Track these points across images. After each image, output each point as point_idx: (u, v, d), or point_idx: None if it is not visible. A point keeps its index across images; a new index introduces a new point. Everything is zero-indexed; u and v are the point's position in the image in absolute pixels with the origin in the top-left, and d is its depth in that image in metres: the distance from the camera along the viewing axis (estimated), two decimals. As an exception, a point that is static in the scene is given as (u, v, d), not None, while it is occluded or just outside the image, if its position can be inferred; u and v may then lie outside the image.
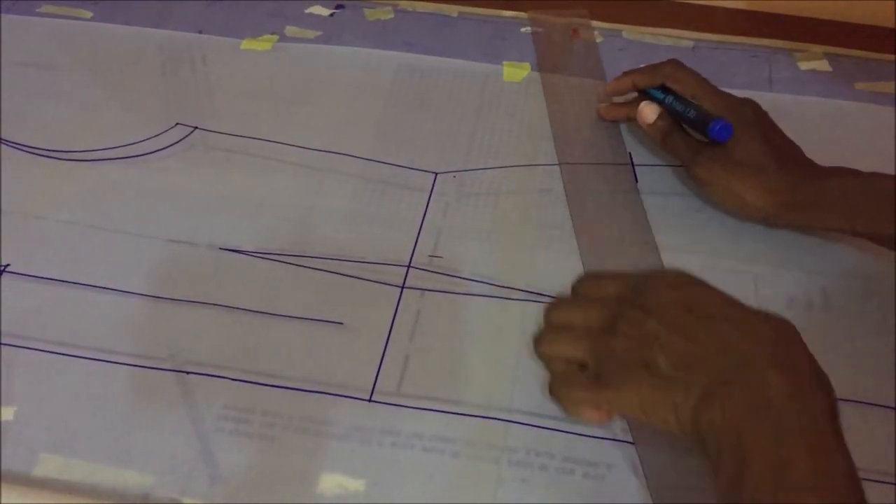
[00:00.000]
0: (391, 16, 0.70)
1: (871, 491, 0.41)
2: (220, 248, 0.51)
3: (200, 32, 0.67)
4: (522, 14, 0.70)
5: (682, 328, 0.37)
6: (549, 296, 0.50)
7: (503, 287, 0.50)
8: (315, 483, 0.42)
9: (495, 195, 0.55)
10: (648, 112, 0.54)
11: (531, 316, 0.49)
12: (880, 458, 0.43)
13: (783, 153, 0.50)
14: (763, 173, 0.49)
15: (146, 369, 0.45)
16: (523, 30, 0.69)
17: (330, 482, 0.42)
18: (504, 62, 0.65)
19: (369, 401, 0.45)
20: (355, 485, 0.42)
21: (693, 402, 0.35)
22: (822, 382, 0.35)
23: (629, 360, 0.37)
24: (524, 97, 0.62)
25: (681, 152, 0.53)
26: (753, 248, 0.52)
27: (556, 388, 0.39)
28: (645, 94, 0.56)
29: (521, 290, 0.50)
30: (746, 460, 0.33)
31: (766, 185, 0.49)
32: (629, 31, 0.69)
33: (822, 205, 0.49)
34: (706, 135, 0.51)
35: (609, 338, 0.38)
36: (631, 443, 0.43)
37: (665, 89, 0.55)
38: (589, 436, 0.44)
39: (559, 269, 0.51)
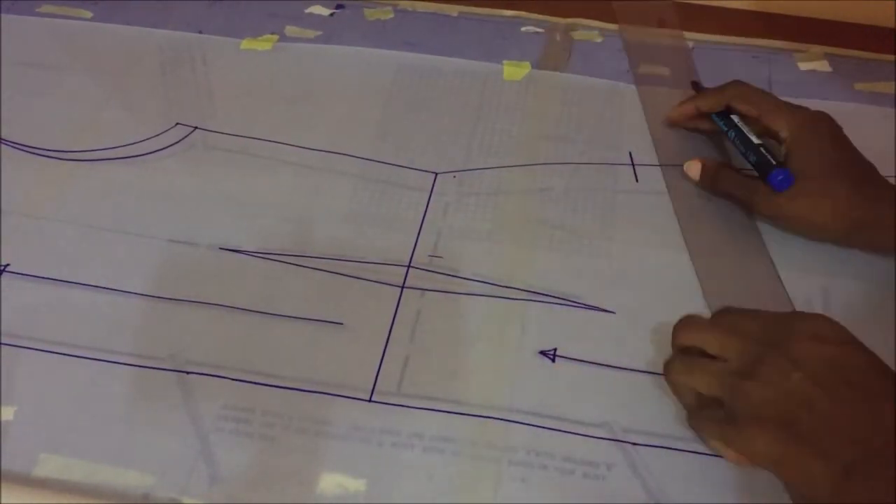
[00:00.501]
0: (391, 15, 0.70)
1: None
2: (220, 248, 0.51)
3: (200, 32, 0.67)
4: (523, 13, 0.70)
5: (831, 390, 0.35)
6: (549, 295, 0.50)
7: (503, 287, 0.50)
8: (315, 483, 0.42)
9: (495, 195, 0.55)
10: (693, 171, 0.54)
11: (531, 316, 0.49)
12: (880, 459, 0.43)
13: (854, 172, 0.48)
14: (831, 196, 0.48)
15: (146, 369, 0.45)
16: (524, 29, 0.69)
17: (330, 482, 0.42)
18: (504, 61, 0.65)
19: (369, 401, 0.45)
20: (355, 485, 0.42)
21: (834, 474, 0.34)
22: None
23: (768, 412, 0.36)
24: (525, 96, 0.62)
25: (736, 195, 0.52)
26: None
27: (697, 424, 0.41)
28: (709, 119, 0.56)
29: (521, 290, 0.50)
30: None
31: (834, 207, 0.48)
32: (629, 32, 0.68)
33: (890, 226, 0.47)
34: (765, 181, 0.50)
35: (748, 382, 0.37)
36: (632, 443, 0.43)
37: (729, 114, 0.54)
38: (589, 436, 0.44)
39: (559, 269, 0.51)
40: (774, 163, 0.50)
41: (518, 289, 0.50)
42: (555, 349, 0.47)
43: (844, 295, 0.50)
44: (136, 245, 0.52)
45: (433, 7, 0.71)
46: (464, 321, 0.48)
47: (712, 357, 0.41)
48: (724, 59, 0.65)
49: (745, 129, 0.53)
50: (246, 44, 0.66)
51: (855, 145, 0.49)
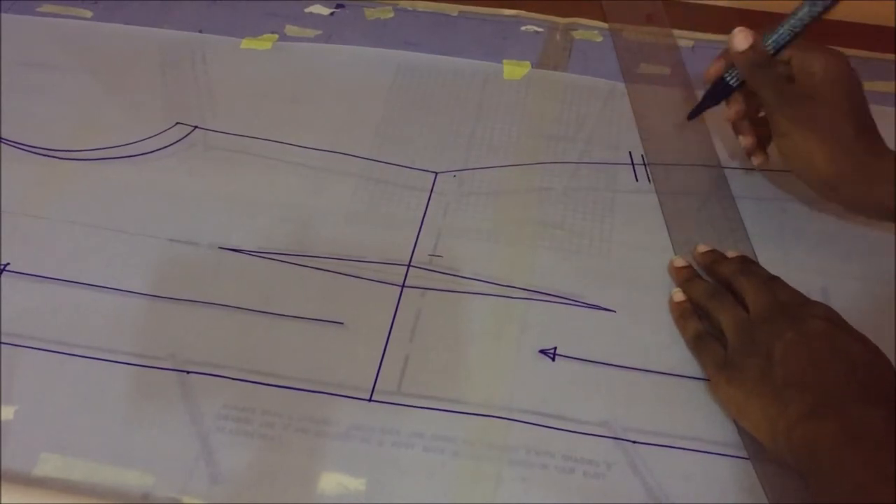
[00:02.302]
0: (391, 15, 0.70)
1: (872, 490, 0.42)
2: (220, 248, 0.51)
3: (200, 32, 0.67)
4: (523, 13, 0.70)
5: (812, 355, 0.41)
6: (549, 294, 0.50)
7: (503, 286, 0.50)
8: (315, 483, 0.42)
9: (495, 195, 0.55)
10: (741, 38, 0.49)
11: (531, 315, 0.49)
12: (880, 458, 0.43)
13: (863, 124, 0.47)
14: (838, 140, 0.46)
15: (146, 369, 0.45)
16: (524, 28, 0.69)
17: (330, 482, 0.42)
18: (504, 60, 0.65)
19: (369, 400, 0.45)
20: (356, 484, 0.42)
21: (790, 419, 0.39)
22: None
23: (751, 365, 0.42)
24: (525, 96, 0.62)
25: (767, 92, 0.48)
26: (754, 247, 0.52)
27: (699, 352, 0.46)
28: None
29: (521, 290, 0.50)
30: (827, 482, 0.36)
31: (838, 151, 0.46)
32: (629, 31, 0.68)
33: (881, 182, 0.46)
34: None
35: (754, 335, 0.43)
36: (632, 441, 0.43)
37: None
38: (589, 434, 0.44)
39: (559, 269, 0.51)
40: None
41: (518, 288, 0.50)
42: (555, 348, 0.47)
43: (844, 295, 0.50)
44: (136, 245, 0.52)
45: (433, 6, 0.71)
46: (464, 320, 0.48)
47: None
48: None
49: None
50: (246, 43, 0.66)
51: None
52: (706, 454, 0.43)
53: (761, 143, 0.53)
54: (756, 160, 0.54)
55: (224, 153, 0.57)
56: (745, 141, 0.53)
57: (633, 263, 0.52)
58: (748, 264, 0.49)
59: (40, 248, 0.51)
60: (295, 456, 0.42)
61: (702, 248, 0.51)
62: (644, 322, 0.49)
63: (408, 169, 0.57)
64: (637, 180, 0.56)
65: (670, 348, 0.47)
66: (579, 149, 0.58)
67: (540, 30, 0.68)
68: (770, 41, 0.49)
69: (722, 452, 0.43)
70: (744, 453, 0.43)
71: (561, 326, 0.48)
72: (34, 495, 0.40)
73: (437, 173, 0.57)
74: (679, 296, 0.49)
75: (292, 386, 0.45)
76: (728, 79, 0.51)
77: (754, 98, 0.51)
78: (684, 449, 0.43)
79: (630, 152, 0.58)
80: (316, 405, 0.44)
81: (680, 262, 0.50)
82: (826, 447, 0.37)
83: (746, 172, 0.56)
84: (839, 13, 0.66)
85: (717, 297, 0.47)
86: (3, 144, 0.57)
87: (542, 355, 0.47)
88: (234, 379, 0.45)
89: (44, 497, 0.40)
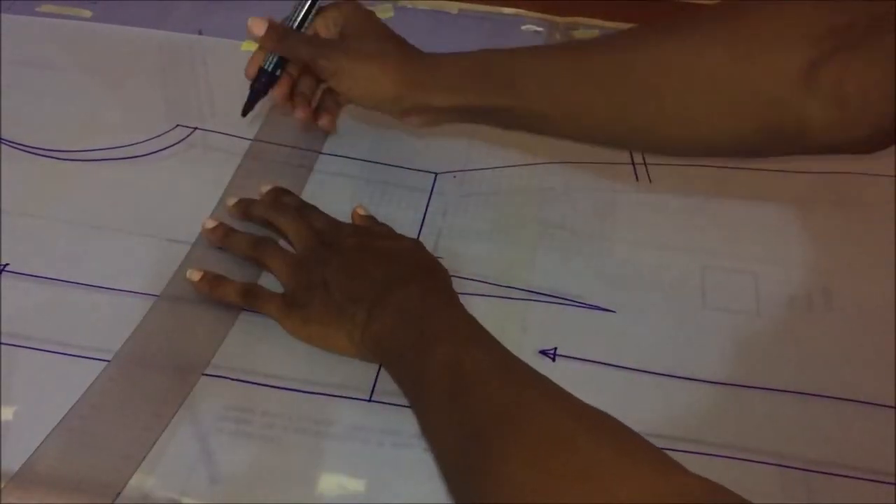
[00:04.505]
0: (391, 14, 0.70)
1: (872, 491, 0.42)
2: (220, 248, 0.51)
3: (200, 33, 0.67)
4: (523, 11, 0.70)
5: (356, 269, 0.45)
6: (549, 295, 0.50)
7: (503, 287, 0.50)
8: (315, 483, 0.42)
9: (495, 195, 0.55)
10: (256, 24, 0.52)
11: (531, 315, 0.49)
12: (880, 458, 0.43)
13: (401, 43, 0.51)
14: (385, 58, 0.50)
15: (146, 369, 0.45)
16: (524, 27, 0.69)
17: (330, 482, 0.42)
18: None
19: (369, 401, 0.45)
20: (355, 485, 0.42)
21: (361, 324, 0.43)
22: (439, 274, 0.47)
23: (312, 298, 0.45)
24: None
25: (304, 48, 0.51)
26: (754, 247, 0.52)
27: (256, 305, 0.47)
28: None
29: (521, 290, 0.50)
30: (401, 349, 0.41)
31: (389, 67, 0.49)
32: (629, 31, 0.68)
33: (439, 82, 0.49)
34: None
35: (305, 272, 0.46)
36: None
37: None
38: (589, 436, 0.44)
39: (559, 269, 0.51)
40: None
41: (518, 288, 0.50)
42: (555, 348, 0.47)
43: (844, 295, 0.50)
44: (135, 245, 0.52)
45: (433, 5, 0.71)
46: (464, 321, 0.48)
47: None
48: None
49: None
50: (246, 45, 0.66)
51: None
52: (706, 456, 0.43)
53: (329, 111, 0.55)
54: (323, 123, 0.55)
55: (224, 154, 0.57)
56: (300, 113, 0.54)
57: (633, 263, 0.52)
58: (279, 195, 0.52)
59: (40, 248, 0.51)
60: (295, 457, 0.42)
61: (230, 201, 0.52)
62: (644, 322, 0.49)
63: (408, 169, 0.57)
64: (637, 180, 0.56)
65: (670, 348, 0.47)
66: (579, 148, 0.58)
67: (540, 29, 0.68)
68: (289, 20, 0.52)
69: (722, 454, 0.43)
70: (744, 455, 0.43)
71: (561, 327, 0.48)
72: (34, 495, 0.40)
73: (437, 174, 0.57)
74: (195, 274, 0.48)
75: (292, 387, 0.45)
76: (266, 66, 0.53)
77: (308, 76, 0.54)
78: (684, 451, 0.43)
79: (630, 152, 0.58)
80: (316, 406, 0.44)
81: (210, 224, 0.51)
82: (386, 337, 0.43)
83: (751, 173, 0.56)
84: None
85: (260, 245, 0.49)
86: (3, 144, 0.57)
87: (542, 356, 0.47)
88: (233, 379, 0.45)
89: (44, 497, 0.40)
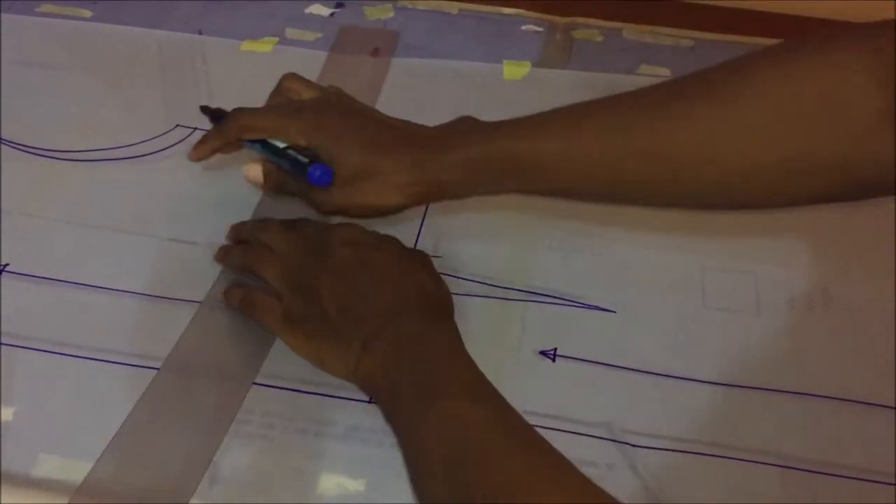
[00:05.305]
0: (391, 14, 0.70)
1: (872, 491, 0.42)
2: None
3: (200, 33, 0.67)
4: (523, 11, 0.70)
5: (352, 286, 0.43)
6: (549, 295, 0.50)
7: (503, 287, 0.50)
8: (315, 483, 0.42)
9: (495, 195, 0.55)
10: (253, 174, 0.49)
11: (531, 315, 0.49)
12: (880, 458, 0.43)
13: (390, 142, 0.46)
14: (379, 176, 0.45)
15: (146, 369, 0.45)
16: (524, 28, 0.69)
17: (330, 482, 0.42)
18: (504, 60, 0.65)
19: (369, 401, 0.45)
20: (355, 485, 0.42)
21: (356, 354, 0.41)
22: (442, 301, 0.44)
23: (297, 316, 0.43)
24: (525, 96, 0.62)
25: (304, 196, 0.48)
26: (755, 247, 0.52)
27: (254, 313, 0.45)
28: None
29: (521, 290, 0.50)
30: (397, 391, 0.39)
31: (387, 185, 0.45)
32: (629, 31, 0.68)
33: (453, 180, 0.45)
34: (308, 182, 0.46)
35: (289, 292, 0.44)
36: (632, 444, 0.43)
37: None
38: (589, 436, 0.44)
39: (559, 269, 0.51)
40: (307, 161, 0.46)
41: (518, 289, 0.50)
42: (555, 349, 0.47)
43: (844, 295, 0.50)
44: (135, 245, 0.52)
45: (433, 5, 0.71)
46: (464, 321, 0.48)
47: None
48: (724, 59, 0.65)
49: (268, 139, 0.48)
50: (246, 45, 0.66)
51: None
52: (706, 456, 0.43)
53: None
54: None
55: (223, 155, 0.57)
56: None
57: (633, 263, 0.52)
58: (265, 219, 0.50)
59: (40, 248, 0.51)
60: (295, 457, 0.42)
61: (228, 228, 0.51)
62: (644, 322, 0.49)
63: (408, 169, 0.57)
64: None
65: (670, 348, 0.47)
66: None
67: (540, 29, 0.68)
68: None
69: (722, 454, 0.43)
70: (744, 456, 0.43)
71: (561, 327, 0.48)
72: (34, 496, 0.40)
73: (437, 173, 0.56)
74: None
75: (292, 387, 0.45)
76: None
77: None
78: (684, 451, 0.43)
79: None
80: (316, 406, 0.44)
81: (218, 253, 0.50)
82: (380, 375, 0.40)
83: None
84: (839, 13, 0.66)
85: (252, 253, 0.48)
86: (3, 144, 0.57)
87: (542, 356, 0.47)
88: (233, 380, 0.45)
89: (43, 497, 0.40)
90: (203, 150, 0.50)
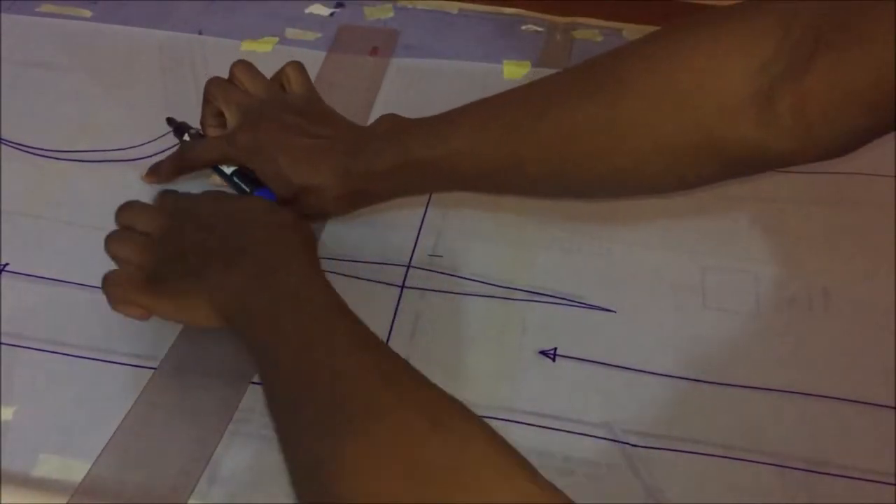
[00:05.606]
0: (391, 14, 0.70)
1: (872, 491, 0.42)
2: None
3: (200, 33, 0.67)
4: (523, 11, 0.70)
5: (210, 230, 0.44)
6: (549, 295, 0.50)
7: (503, 287, 0.50)
8: (315, 483, 0.41)
9: (496, 195, 0.55)
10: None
11: (531, 315, 0.49)
12: (880, 458, 0.43)
13: (318, 153, 0.48)
14: (314, 192, 0.47)
15: (146, 369, 0.45)
16: (524, 28, 0.69)
17: (330, 482, 0.42)
18: (504, 60, 0.65)
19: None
20: (355, 485, 0.41)
21: (215, 287, 0.42)
22: (300, 232, 0.45)
23: (170, 271, 0.43)
24: (524, 96, 0.62)
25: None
26: (755, 247, 0.52)
27: (108, 285, 0.43)
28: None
29: (521, 290, 0.50)
30: (252, 314, 0.40)
31: (325, 199, 0.48)
32: (629, 31, 0.68)
33: (378, 189, 0.48)
34: None
35: (162, 247, 0.44)
36: (632, 444, 0.43)
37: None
38: (589, 436, 0.44)
39: (559, 269, 0.51)
40: (249, 190, 0.49)
41: (518, 289, 0.50)
42: (555, 349, 0.47)
43: (844, 295, 0.50)
44: (135, 245, 0.51)
45: (433, 5, 0.71)
46: (464, 321, 0.48)
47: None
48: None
49: (217, 165, 0.51)
50: (246, 45, 0.66)
51: None
52: (706, 456, 0.43)
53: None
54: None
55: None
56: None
57: (633, 263, 0.52)
58: (129, 202, 0.48)
59: (40, 248, 0.51)
60: (294, 456, 0.42)
61: None
62: (644, 322, 0.49)
63: (408, 169, 0.57)
64: None
65: (670, 348, 0.47)
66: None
67: (540, 29, 0.68)
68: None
69: (722, 455, 0.43)
70: (744, 456, 0.43)
71: (561, 327, 0.48)
72: (34, 496, 0.40)
73: (437, 173, 0.56)
74: None
75: (292, 386, 0.45)
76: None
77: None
78: (684, 451, 0.43)
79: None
80: (316, 406, 0.44)
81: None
82: (235, 296, 0.41)
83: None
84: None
85: (107, 241, 0.46)
86: (3, 144, 0.57)
87: (542, 356, 0.47)
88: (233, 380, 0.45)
89: (44, 497, 0.40)
90: (153, 179, 0.53)
